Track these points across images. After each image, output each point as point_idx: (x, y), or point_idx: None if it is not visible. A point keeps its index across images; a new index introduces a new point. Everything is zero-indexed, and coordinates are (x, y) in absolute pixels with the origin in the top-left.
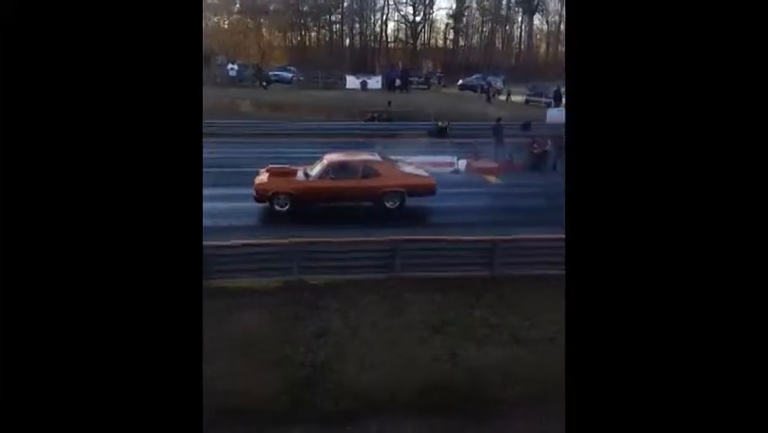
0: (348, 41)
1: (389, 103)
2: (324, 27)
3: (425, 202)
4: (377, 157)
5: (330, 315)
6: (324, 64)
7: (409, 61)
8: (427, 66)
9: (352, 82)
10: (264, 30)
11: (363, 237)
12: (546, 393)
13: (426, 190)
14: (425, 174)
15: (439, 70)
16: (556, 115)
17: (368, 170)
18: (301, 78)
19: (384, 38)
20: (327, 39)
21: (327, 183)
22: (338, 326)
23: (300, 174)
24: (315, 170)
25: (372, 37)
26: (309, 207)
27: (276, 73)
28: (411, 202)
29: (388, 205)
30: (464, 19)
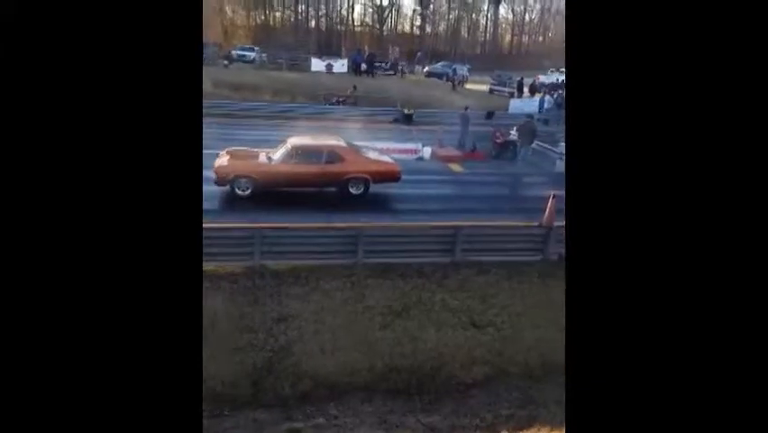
0: (314, 22)
1: (355, 87)
2: (289, 8)
3: (390, 189)
4: (341, 142)
5: (291, 300)
6: (288, 45)
7: (376, 46)
8: (394, 52)
9: (316, 64)
10: (228, 8)
11: (327, 223)
12: (501, 373)
13: (391, 177)
14: (390, 161)
15: (405, 57)
16: (519, 105)
17: (332, 156)
18: (264, 59)
19: (350, 21)
20: (292, 20)
21: (291, 167)
22: (300, 311)
23: (262, 157)
24: (278, 153)
25: (338, 20)
26: (272, 192)
27: (239, 53)
28: (375, 188)
29: (352, 191)
30: (431, 5)
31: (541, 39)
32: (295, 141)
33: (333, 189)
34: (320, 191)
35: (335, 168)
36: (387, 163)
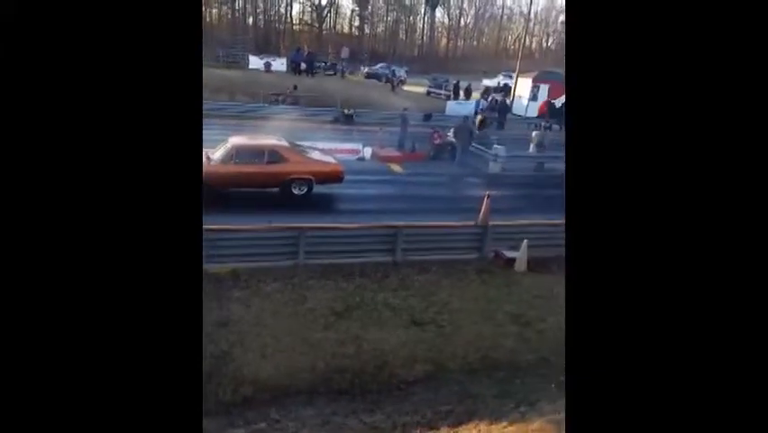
0: (251, 19)
1: (295, 87)
2: (225, 4)
3: (331, 189)
4: (284, 142)
5: (232, 304)
6: (225, 42)
7: (315, 45)
8: (334, 51)
9: (255, 62)
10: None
11: (266, 224)
12: (441, 370)
13: (334, 178)
14: (333, 161)
15: (347, 57)
16: (455, 107)
17: (274, 156)
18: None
19: (289, 19)
20: (230, 17)
21: (231, 168)
22: (240, 314)
23: (202, 157)
24: (218, 153)
25: (277, 18)
26: (211, 192)
27: None
28: (317, 189)
29: (295, 191)
30: (369, 6)
31: (475, 43)
32: (235, 140)
33: (275, 190)
34: (262, 192)
35: (278, 168)
36: (330, 164)
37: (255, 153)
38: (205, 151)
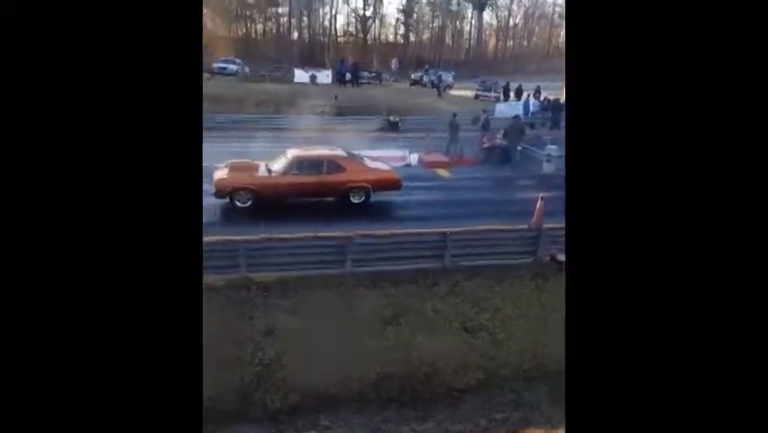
0: (296, 34)
1: (336, 97)
2: (270, 19)
3: (379, 197)
4: (341, 152)
5: (279, 311)
6: (271, 57)
7: (360, 56)
8: (380, 61)
9: (300, 76)
10: (207, 20)
11: (312, 232)
12: (494, 377)
13: (391, 185)
14: (389, 169)
15: (397, 68)
16: (504, 109)
17: (332, 166)
18: (247, 71)
19: (334, 32)
20: (274, 31)
21: (291, 179)
22: (288, 322)
23: (263, 169)
24: (279, 165)
25: (321, 31)
26: (273, 203)
27: (220, 65)
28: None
29: (353, 200)
30: (414, 14)
31: (526, 43)
32: (294, 152)
33: (333, 199)
34: (322, 201)
35: (336, 177)
36: (387, 171)
37: (314, 164)
38: (264, 163)
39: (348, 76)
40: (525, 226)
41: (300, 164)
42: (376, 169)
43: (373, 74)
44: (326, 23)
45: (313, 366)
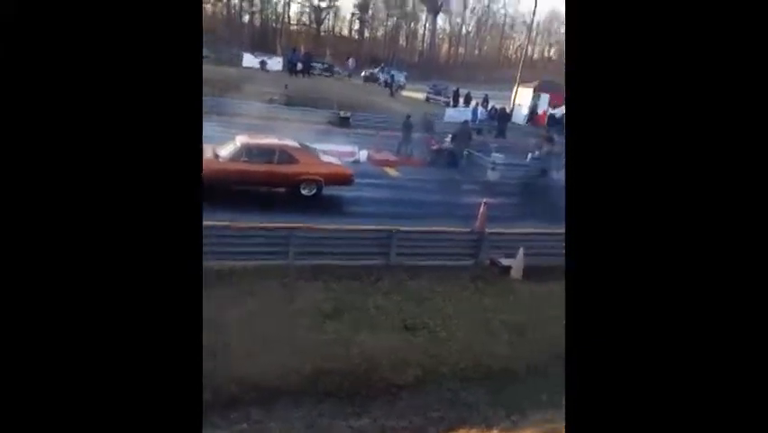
0: (247, 17)
1: (286, 86)
2: (220, 0)
3: (328, 191)
4: (294, 143)
5: (217, 302)
6: (219, 39)
7: (313, 46)
8: (332, 54)
9: (249, 60)
10: None
11: (255, 223)
12: (432, 375)
13: (343, 180)
14: (342, 164)
15: (353, 67)
16: (454, 114)
17: (284, 156)
18: None
19: (287, 19)
20: (224, 13)
21: (240, 166)
22: (226, 313)
23: (209, 153)
24: (227, 150)
25: (274, 17)
26: (218, 190)
27: None
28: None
29: (304, 192)
30: (370, 10)
31: (477, 51)
32: (245, 139)
33: (282, 190)
34: (270, 191)
35: (288, 168)
36: (339, 166)
37: (265, 153)
38: (211, 146)
39: (300, 65)
40: (469, 230)
41: (250, 152)
42: (329, 163)
43: (326, 66)
44: (279, 9)
45: (250, 359)
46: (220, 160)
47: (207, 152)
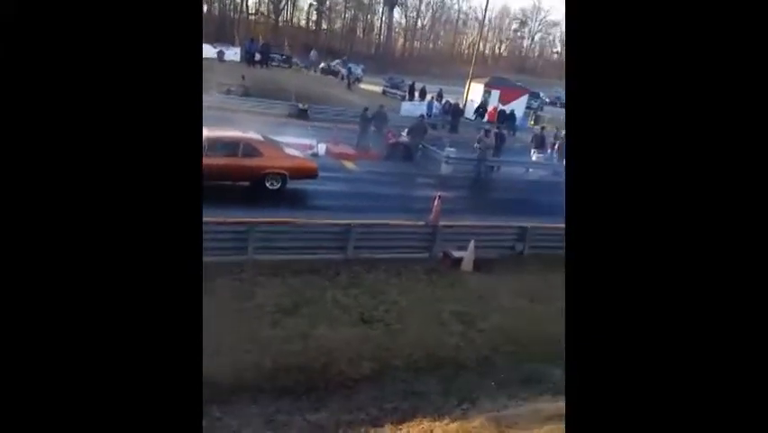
0: (205, 6)
1: (243, 77)
2: None
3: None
4: (257, 136)
5: None
6: None
7: (271, 37)
8: (290, 44)
9: (207, 51)
10: None
11: (214, 217)
12: (387, 367)
13: (308, 174)
14: (306, 157)
15: (315, 59)
16: (409, 108)
17: (248, 149)
18: None
19: (245, 9)
20: None
21: (205, 160)
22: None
23: None
24: None
25: (232, 6)
26: None
27: None
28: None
29: (269, 186)
30: (327, 1)
31: (431, 46)
32: (208, 132)
33: (246, 184)
34: (234, 185)
35: (252, 162)
36: (304, 159)
37: (229, 145)
38: None
39: (257, 56)
40: (423, 223)
41: (213, 145)
42: (295, 156)
43: (284, 57)
44: None
45: (208, 356)
46: None
47: None
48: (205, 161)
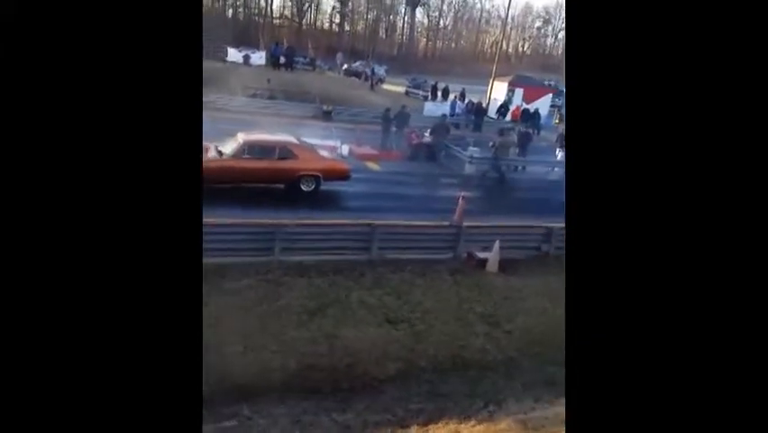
0: (231, 12)
1: (269, 80)
2: None
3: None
4: (293, 139)
5: (206, 299)
6: (205, 34)
7: (295, 40)
8: (314, 47)
9: (233, 55)
10: None
11: (241, 219)
12: (412, 368)
13: (341, 175)
14: (338, 159)
15: (342, 61)
16: (432, 108)
17: (284, 152)
18: None
19: (270, 13)
20: (209, 6)
21: (242, 163)
22: (209, 310)
23: (212, 151)
24: (229, 148)
25: (257, 11)
26: (220, 187)
27: None
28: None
29: (303, 188)
30: (350, 3)
31: (453, 45)
32: (246, 135)
33: (282, 186)
34: (269, 187)
35: (288, 164)
36: (337, 161)
37: (266, 149)
38: (213, 144)
39: (282, 59)
40: (447, 223)
41: (252, 148)
42: (328, 158)
43: (308, 60)
44: (262, 2)
45: (234, 356)
46: (223, 157)
47: (211, 151)
48: (243, 163)
